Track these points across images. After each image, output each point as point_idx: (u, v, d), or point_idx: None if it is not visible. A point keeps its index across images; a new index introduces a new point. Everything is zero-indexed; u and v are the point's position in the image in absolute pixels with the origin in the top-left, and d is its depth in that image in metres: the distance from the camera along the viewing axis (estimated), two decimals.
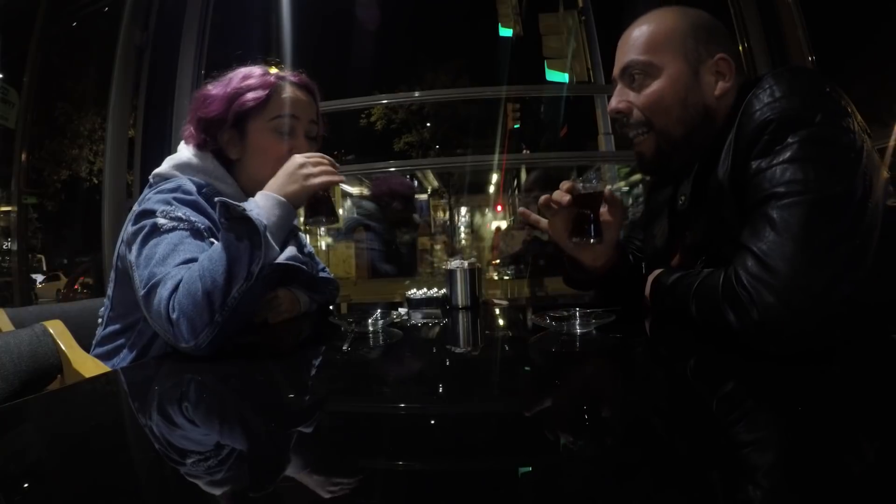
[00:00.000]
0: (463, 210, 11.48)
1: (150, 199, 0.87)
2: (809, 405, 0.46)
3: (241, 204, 0.77)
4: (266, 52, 3.15)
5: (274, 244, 0.80)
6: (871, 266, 0.63)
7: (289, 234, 0.96)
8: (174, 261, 0.78)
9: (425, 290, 1.20)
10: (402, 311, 1.05)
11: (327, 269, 1.29)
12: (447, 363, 0.75)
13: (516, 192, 8.90)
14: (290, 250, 0.92)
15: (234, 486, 0.35)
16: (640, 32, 0.84)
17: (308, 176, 0.89)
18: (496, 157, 3.71)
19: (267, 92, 0.98)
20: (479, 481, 0.35)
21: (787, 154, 0.65)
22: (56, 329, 0.88)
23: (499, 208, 9.96)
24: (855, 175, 0.64)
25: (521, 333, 1.02)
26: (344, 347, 0.77)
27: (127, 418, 0.55)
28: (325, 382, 0.67)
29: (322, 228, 3.19)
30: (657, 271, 0.84)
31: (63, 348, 0.86)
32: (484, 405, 0.55)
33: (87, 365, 0.86)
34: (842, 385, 0.54)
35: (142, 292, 0.79)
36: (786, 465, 0.35)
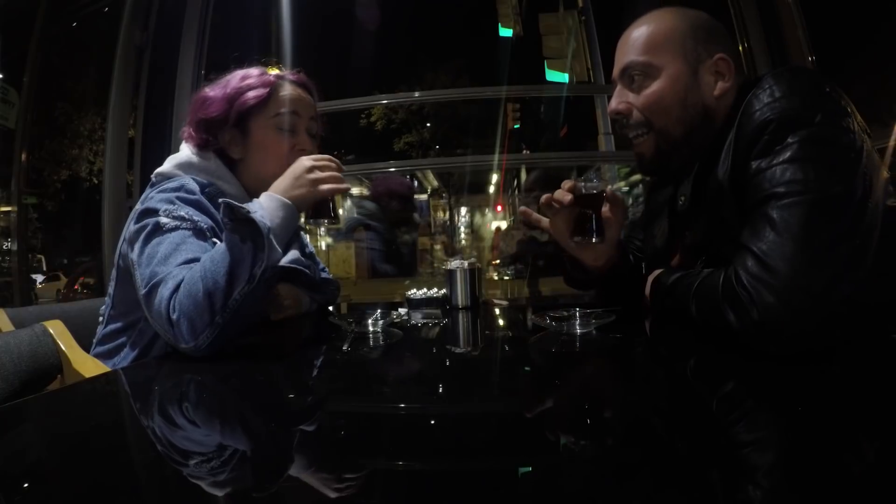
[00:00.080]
0: (463, 210, 11.46)
1: (152, 197, 0.86)
2: (809, 405, 0.46)
3: (245, 205, 0.76)
4: (266, 52, 3.15)
5: (277, 247, 0.79)
6: (871, 266, 0.63)
7: (292, 235, 0.96)
8: (176, 260, 0.78)
9: (425, 290, 1.19)
10: (402, 311, 1.05)
11: (327, 269, 1.29)
12: (447, 363, 0.75)
13: (516, 192, 8.89)
14: (293, 253, 0.92)
15: (234, 486, 0.35)
16: (639, 33, 0.84)
17: (316, 181, 0.87)
18: (496, 157, 3.71)
19: (268, 90, 0.98)
20: (479, 481, 0.35)
21: (787, 154, 0.65)
22: (56, 329, 0.88)
23: (499, 208, 9.95)
24: (855, 175, 0.64)
25: (521, 333, 1.02)
26: (344, 347, 0.77)
27: (127, 418, 0.55)
28: (326, 382, 0.67)
29: (322, 228, 3.19)
30: (657, 271, 0.84)
31: (63, 348, 0.86)
32: (484, 405, 0.55)
33: (87, 365, 0.86)
34: (842, 385, 0.54)
35: (143, 291, 0.78)
36: (786, 465, 0.35)
